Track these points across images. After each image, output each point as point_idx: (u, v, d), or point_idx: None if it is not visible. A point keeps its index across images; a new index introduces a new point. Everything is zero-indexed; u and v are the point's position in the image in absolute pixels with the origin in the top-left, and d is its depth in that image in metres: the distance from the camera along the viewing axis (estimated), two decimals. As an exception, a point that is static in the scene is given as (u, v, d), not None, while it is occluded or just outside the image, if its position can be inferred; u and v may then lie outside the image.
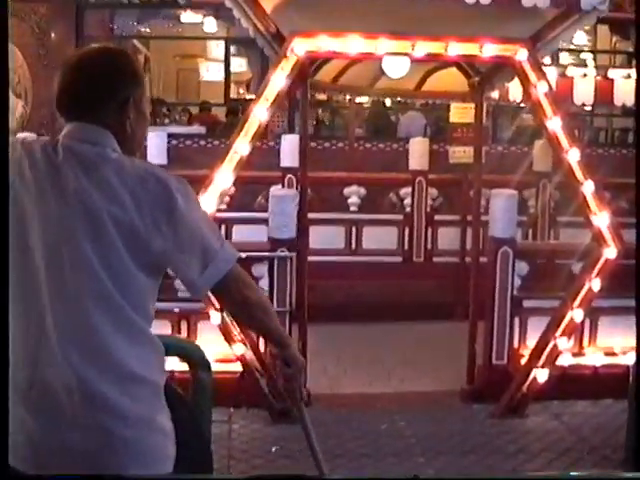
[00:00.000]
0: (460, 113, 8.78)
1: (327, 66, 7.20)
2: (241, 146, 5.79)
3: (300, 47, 5.72)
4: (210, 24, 13.54)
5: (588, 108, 11.48)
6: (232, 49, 13.64)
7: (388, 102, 13.85)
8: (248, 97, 14.47)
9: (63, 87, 2.24)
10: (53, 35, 11.64)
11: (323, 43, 5.77)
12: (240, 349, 5.98)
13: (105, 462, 2.09)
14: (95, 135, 2.18)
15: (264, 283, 6.23)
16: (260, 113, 5.79)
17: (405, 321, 8.50)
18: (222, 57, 13.52)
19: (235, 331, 5.97)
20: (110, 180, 2.11)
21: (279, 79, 5.78)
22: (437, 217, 9.83)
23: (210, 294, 2.40)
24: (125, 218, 2.09)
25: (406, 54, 5.91)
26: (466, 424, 6.14)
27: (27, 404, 2.10)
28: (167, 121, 13.77)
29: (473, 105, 7.50)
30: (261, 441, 5.79)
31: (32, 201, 2.12)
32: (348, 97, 10.74)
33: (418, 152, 9.78)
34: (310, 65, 6.52)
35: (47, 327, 2.09)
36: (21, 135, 7.39)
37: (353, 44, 5.79)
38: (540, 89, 5.98)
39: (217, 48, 15.28)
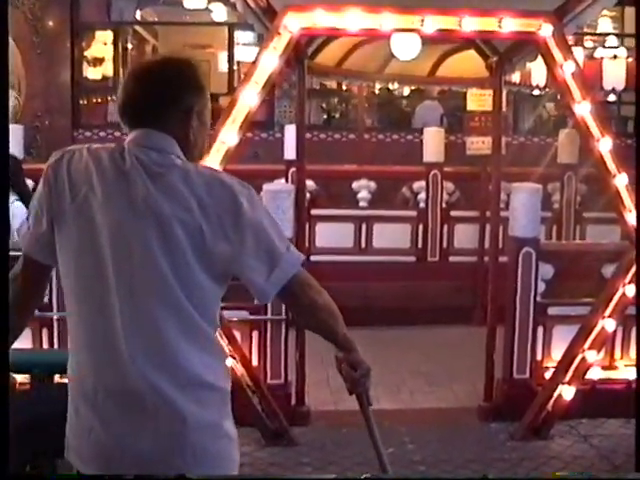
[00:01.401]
0: (478, 100, 8.24)
1: (330, 47, 6.54)
2: (228, 135, 5.15)
3: (294, 23, 5.09)
4: (219, 11, 12.96)
5: (611, 98, 10.83)
6: (251, 37, 13.03)
7: (406, 91, 13.33)
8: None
9: (128, 94, 2.27)
10: (47, 22, 11.14)
11: (320, 18, 5.14)
12: (228, 363, 5.34)
13: (173, 467, 2.11)
14: (161, 142, 2.22)
15: (256, 289, 5.61)
16: (249, 98, 5.15)
17: (418, 326, 8.10)
18: (239, 46, 12.93)
19: (223, 343, 5.34)
20: (177, 187, 2.15)
21: (271, 60, 5.15)
22: (453, 213, 9.27)
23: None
24: (193, 224, 2.12)
25: (415, 30, 5.24)
26: (483, 447, 5.54)
27: (94, 409, 2.15)
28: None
29: (491, 91, 6.86)
30: (251, 467, 5.20)
31: (101, 207, 2.16)
32: (357, 84, 10.08)
33: (433, 143, 9.18)
34: (307, 44, 5.89)
35: (115, 332, 2.12)
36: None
37: (354, 19, 5.15)
38: (567, 69, 5.32)
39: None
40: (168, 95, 2.25)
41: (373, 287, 8.57)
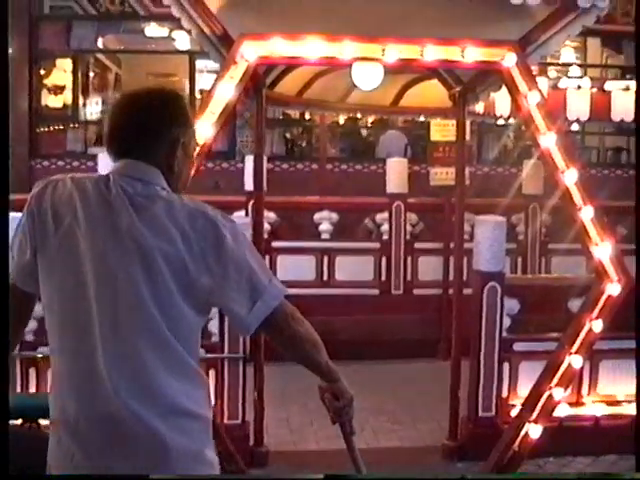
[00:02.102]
0: (441, 130, 8.14)
1: (290, 76, 6.38)
2: (183, 167, 4.94)
3: (251, 51, 4.91)
4: (182, 39, 12.82)
5: (575, 127, 10.80)
6: (218, 65, 12.90)
7: (370, 120, 13.26)
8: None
9: (115, 124, 2.30)
10: (5, 49, 10.93)
11: (278, 47, 4.96)
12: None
13: None
14: (146, 173, 2.24)
15: (213, 325, 5.42)
16: (204, 129, 4.96)
17: (382, 360, 7.98)
18: (203, 74, 12.77)
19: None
20: (161, 218, 2.17)
21: (227, 89, 4.96)
22: (417, 245, 9.14)
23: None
24: (176, 256, 2.14)
25: (376, 59, 5.10)
26: (448, 489, 5.31)
27: (76, 437, 2.15)
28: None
29: (455, 121, 6.73)
30: (207, 513, 4.93)
31: (84, 237, 2.17)
32: (319, 113, 9.95)
33: (396, 174, 9.04)
34: (266, 73, 5.72)
35: (97, 362, 2.13)
36: None
37: (313, 48, 4.99)
38: (531, 100, 5.19)
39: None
40: (155, 127, 2.27)
41: (336, 321, 8.29)
